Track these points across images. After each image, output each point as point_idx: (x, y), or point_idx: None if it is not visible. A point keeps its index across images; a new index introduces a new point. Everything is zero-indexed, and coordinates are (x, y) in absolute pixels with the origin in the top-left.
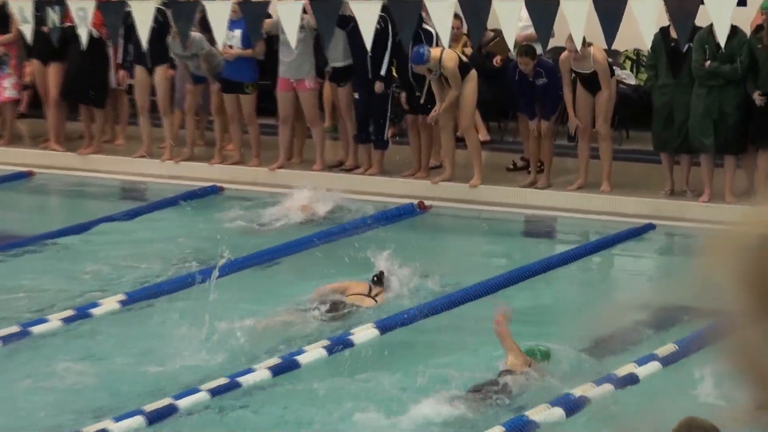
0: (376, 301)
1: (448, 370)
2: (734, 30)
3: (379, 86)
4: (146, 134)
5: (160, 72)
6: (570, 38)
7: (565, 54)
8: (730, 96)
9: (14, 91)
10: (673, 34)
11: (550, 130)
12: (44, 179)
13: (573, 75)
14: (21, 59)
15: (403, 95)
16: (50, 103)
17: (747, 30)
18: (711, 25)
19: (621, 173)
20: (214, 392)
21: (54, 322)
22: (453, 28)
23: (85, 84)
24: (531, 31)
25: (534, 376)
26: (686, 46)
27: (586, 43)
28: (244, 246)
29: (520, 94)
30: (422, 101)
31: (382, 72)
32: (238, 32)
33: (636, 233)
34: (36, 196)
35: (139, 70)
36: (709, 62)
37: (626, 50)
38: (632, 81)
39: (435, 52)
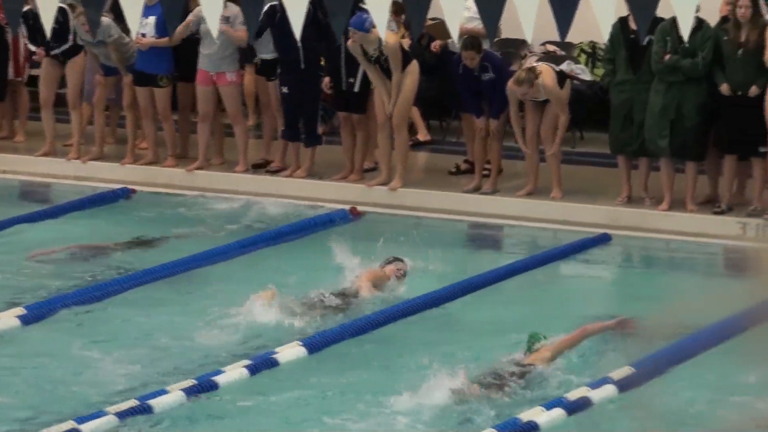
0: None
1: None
2: (699, 23)
3: (326, 82)
4: (50, 130)
5: (74, 63)
6: (519, 66)
7: (513, 82)
8: (691, 95)
9: None
10: (633, 25)
11: (499, 129)
12: None
13: (522, 57)
14: None
15: (326, 79)
16: None
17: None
18: (674, 16)
19: (574, 178)
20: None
21: None
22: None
23: None
24: (477, 23)
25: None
26: (647, 39)
27: (535, 72)
28: (153, 256)
29: (465, 90)
30: (357, 89)
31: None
32: (152, 19)
33: (590, 244)
34: None
35: (46, 61)
36: (669, 55)
37: (581, 43)
38: (587, 77)
39: (377, 30)
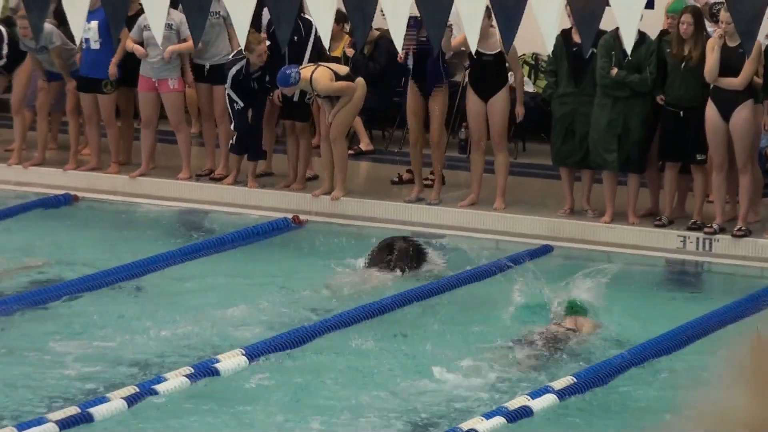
0: None
1: None
2: (642, 36)
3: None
4: None
5: (20, 70)
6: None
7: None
8: (637, 109)
9: None
10: (576, 38)
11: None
12: None
13: (466, 68)
14: None
15: (276, 92)
16: None
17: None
18: (617, 29)
19: (517, 189)
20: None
21: None
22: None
23: None
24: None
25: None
26: (590, 52)
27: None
28: (96, 262)
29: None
30: (296, 99)
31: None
32: (94, 24)
33: (532, 255)
34: None
35: None
36: (616, 70)
37: (524, 54)
38: (530, 88)
39: (305, 72)
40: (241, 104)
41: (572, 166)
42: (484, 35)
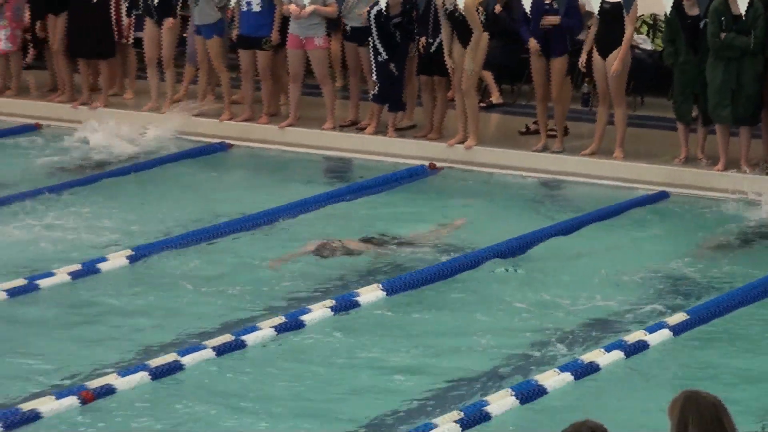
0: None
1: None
2: (750, 1)
3: (422, 42)
4: (154, 88)
5: (166, 24)
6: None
7: None
8: (748, 67)
9: (9, 43)
10: (688, 11)
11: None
12: (52, 132)
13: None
14: (18, 10)
15: (422, 39)
16: (53, 55)
17: None
18: None
19: (635, 140)
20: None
21: (61, 275)
22: None
23: (88, 37)
24: None
25: None
26: (703, 22)
27: None
28: (250, 205)
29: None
30: (432, 50)
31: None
32: None
33: (649, 201)
34: (44, 148)
35: (148, 23)
36: (724, 34)
37: (642, 14)
38: (648, 46)
39: None
40: (385, 56)
41: (689, 122)
42: None
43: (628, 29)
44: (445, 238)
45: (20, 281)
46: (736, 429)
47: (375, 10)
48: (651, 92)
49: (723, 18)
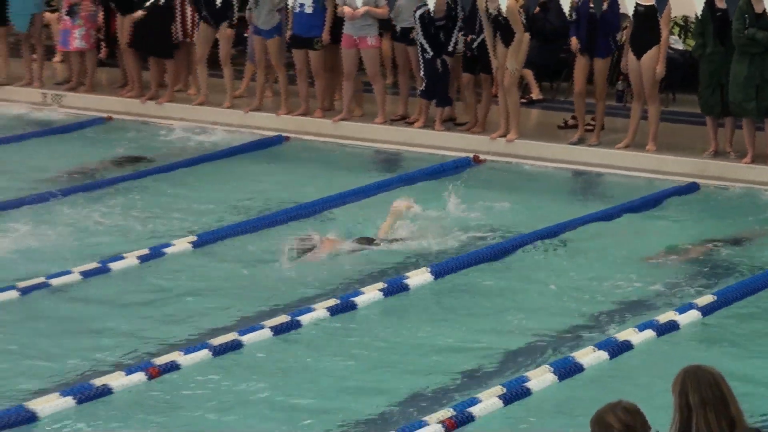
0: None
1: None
2: None
3: (450, 62)
4: (203, 84)
5: (223, 29)
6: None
7: None
8: None
9: (83, 42)
10: (719, 4)
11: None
12: (122, 124)
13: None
14: (93, 11)
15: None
16: (122, 52)
17: None
18: None
19: (667, 134)
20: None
21: (131, 259)
22: None
23: (150, 36)
24: None
25: None
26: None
27: None
28: (305, 194)
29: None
30: (475, 46)
31: (449, 48)
32: None
33: (680, 191)
34: (113, 140)
35: (203, 24)
36: (747, 30)
37: (674, 16)
38: (680, 46)
39: None
40: (431, 53)
41: (718, 114)
42: None
43: (664, 32)
44: (487, 225)
45: (94, 264)
46: (734, 396)
47: (421, 11)
48: (682, 89)
49: (747, 15)
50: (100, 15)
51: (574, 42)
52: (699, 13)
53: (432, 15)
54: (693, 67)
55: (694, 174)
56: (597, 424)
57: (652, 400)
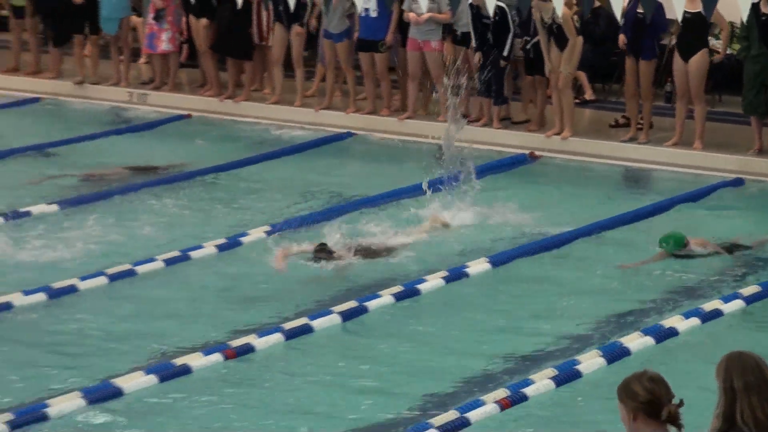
0: None
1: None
2: None
3: (503, 63)
4: (279, 84)
5: (294, 31)
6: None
7: None
8: None
9: (170, 45)
10: (764, 9)
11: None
12: (201, 121)
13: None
14: (178, 15)
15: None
16: (203, 54)
17: None
18: None
19: (713, 133)
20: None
21: (209, 248)
22: None
23: (232, 39)
24: None
25: None
26: None
27: None
28: (371, 187)
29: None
30: (528, 47)
31: (505, 53)
32: None
33: (726, 186)
34: (193, 136)
35: (278, 27)
36: None
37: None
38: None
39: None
40: (475, 45)
41: (762, 114)
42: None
43: (725, 30)
44: (543, 217)
45: (175, 252)
46: None
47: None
48: (728, 91)
49: None
50: (183, 19)
51: (621, 38)
52: (744, 18)
53: (480, 9)
54: (738, 70)
55: (739, 170)
56: (624, 391)
57: (695, 381)
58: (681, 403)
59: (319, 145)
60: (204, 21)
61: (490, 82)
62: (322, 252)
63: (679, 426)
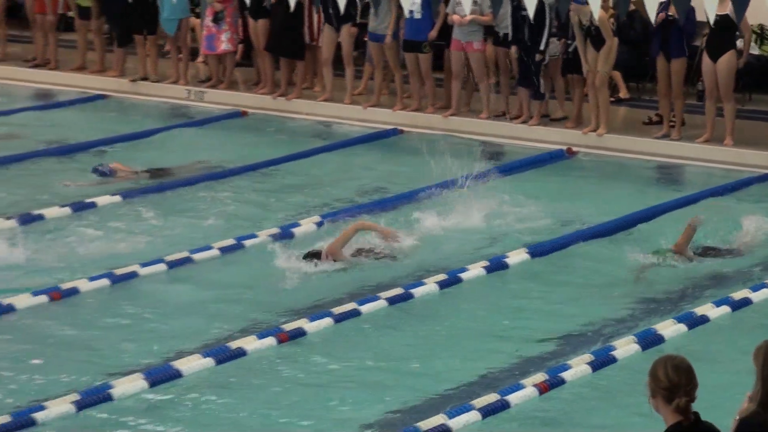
0: None
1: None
2: None
3: (539, 57)
4: (329, 83)
5: (345, 30)
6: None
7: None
8: None
9: (230, 45)
10: None
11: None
12: (256, 118)
13: (704, 35)
14: (236, 17)
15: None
16: (259, 54)
17: None
18: None
19: (743, 130)
20: None
21: (262, 237)
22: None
23: (285, 39)
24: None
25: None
26: None
27: None
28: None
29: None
30: (570, 50)
31: (541, 47)
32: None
33: (755, 181)
34: (248, 132)
35: (327, 29)
36: None
37: (751, 24)
38: (756, 51)
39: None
40: (511, 35)
41: None
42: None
43: (747, 34)
44: (579, 209)
45: (230, 241)
46: None
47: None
48: (758, 90)
49: None
50: (240, 20)
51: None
52: None
53: (519, 2)
54: (767, 70)
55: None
56: (652, 370)
57: (724, 365)
58: (692, 398)
59: (367, 141)
60: (262, 22)
61: (526, 75)
62: (310, 257)
63: (688, 418)
